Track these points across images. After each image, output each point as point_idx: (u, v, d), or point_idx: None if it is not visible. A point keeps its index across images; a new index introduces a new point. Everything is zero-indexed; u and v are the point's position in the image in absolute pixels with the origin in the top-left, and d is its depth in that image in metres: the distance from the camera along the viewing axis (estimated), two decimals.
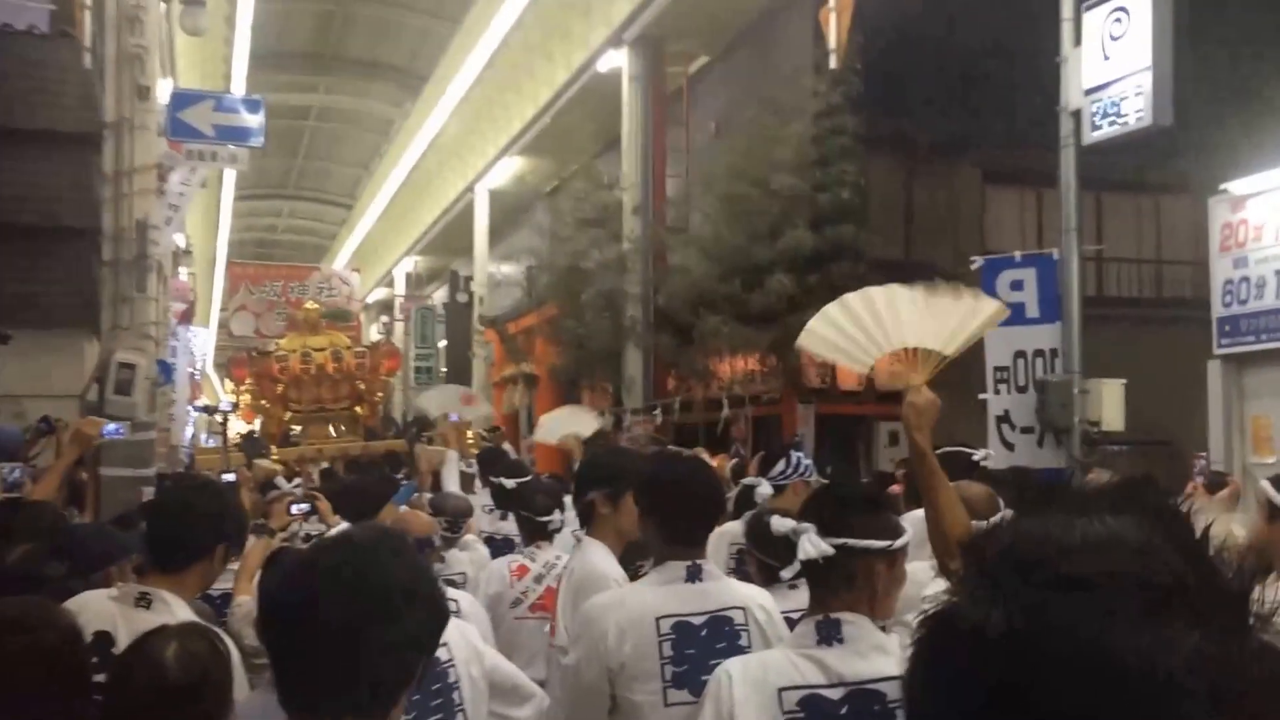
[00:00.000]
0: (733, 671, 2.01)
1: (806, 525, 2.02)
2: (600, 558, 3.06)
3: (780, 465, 4.54)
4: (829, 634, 1.99)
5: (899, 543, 2.05)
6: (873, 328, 2.56)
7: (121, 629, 2.38)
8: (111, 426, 5.60)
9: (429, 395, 8.87)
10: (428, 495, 5.34)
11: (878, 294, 2.61)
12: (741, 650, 2.49)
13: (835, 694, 1.95)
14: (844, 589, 2.03)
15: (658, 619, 2.47)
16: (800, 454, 4.65)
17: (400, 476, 6.88)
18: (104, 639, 2.36)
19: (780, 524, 2.10)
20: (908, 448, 2.56)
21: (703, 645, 2.47)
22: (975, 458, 4.57)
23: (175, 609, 2.44)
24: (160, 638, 1.94)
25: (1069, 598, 0.61)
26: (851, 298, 2.63)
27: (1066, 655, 0.59)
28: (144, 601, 2.44)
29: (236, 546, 2.68)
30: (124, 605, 2.45)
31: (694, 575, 2.52)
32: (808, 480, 4.51)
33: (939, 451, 4.78)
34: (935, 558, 2.38)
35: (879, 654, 1.99)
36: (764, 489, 4.26)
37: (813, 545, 2.00)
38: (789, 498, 4.07)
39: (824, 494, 2.28)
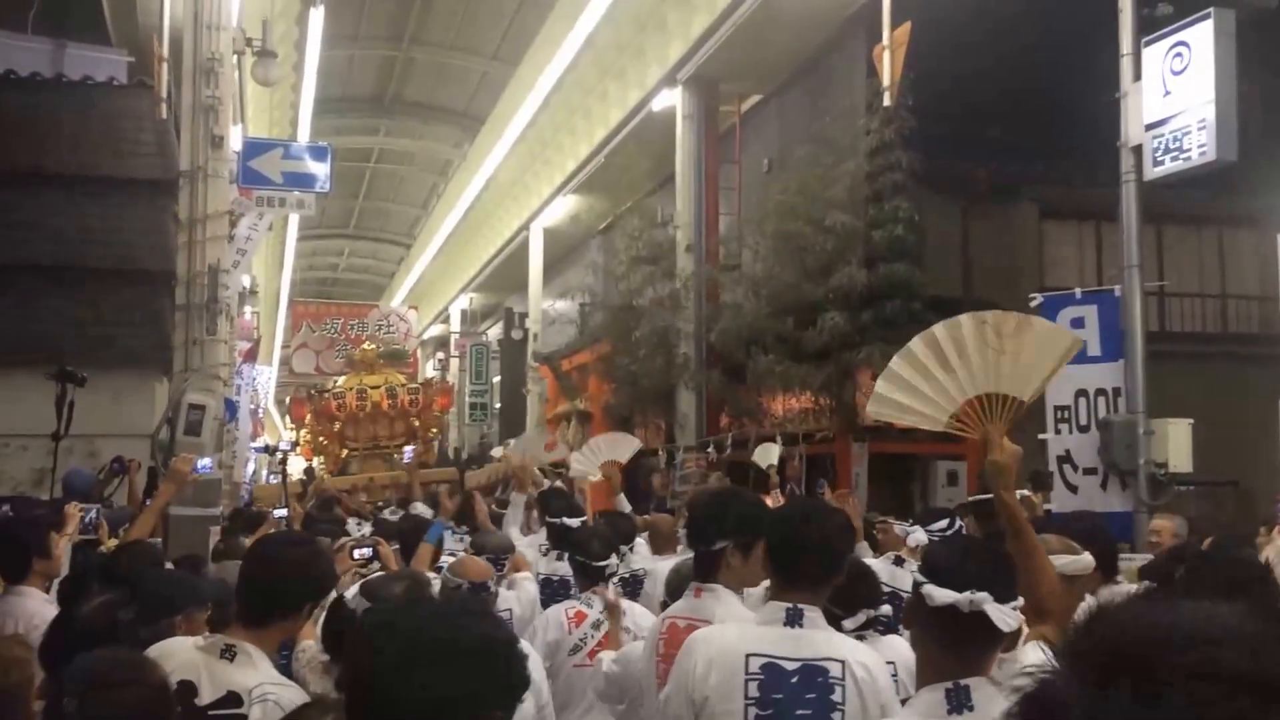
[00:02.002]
0: None
1: (984, 595, 1.91)
2: (742, 609, 2.85)
3: (943, 523, 4.58)
4: (960, 702, 1.90)
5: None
6: (944, 379, 2.41)
7: (204, 680, 2.37)
8: (204, 463, 5.75)
9: (517, 443, 8.88)
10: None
11: (943, 337, 2.44)
12: (834, 706, 2.36)
13: None
14: (979, 653, 1.94)
15: (747, 656, 2.38)
16: (962, 523, 4.68)
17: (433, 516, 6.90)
18: (187, 689, 2.35)
19: (941, 595, 1.95)
20: (998, 509, 2.41)
21: (792, 692, 2.36)
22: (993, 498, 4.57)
23: (258, 662, 2.42)
24: (318, 710, 1.94)
25: (1172, 696, 0.61)
26: (915, 345, 2.48)
27: None
28: (229, 654, 2.42)
29: (319, 603, 2.66)
30: (209, 656, 2.44)
31: (794, 619, 2.41)
32: None
33: (979, 499, 4.71)
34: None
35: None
36: (919, 536, 4.28)
37: (1001, 615, 1.91)
38: None
39: (991, 554, 2.12)
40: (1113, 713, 0.61)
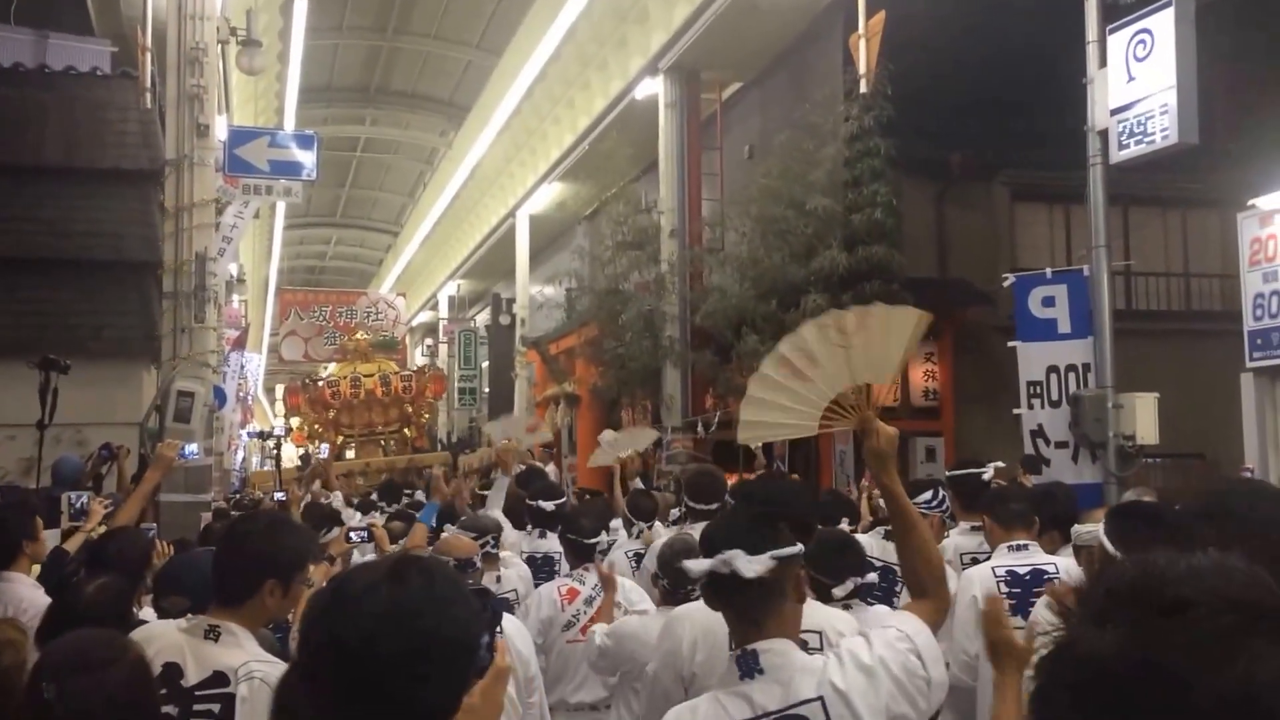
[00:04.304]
0: None
1: (735, 551, 1.97)
2: None
3: (928, 495, 4.65)
4: (750, 667, 1.97)
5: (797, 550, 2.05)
6: (803, 389, 2.40)
7: (190, 661, 2.35)
8: (191, 449, 5.80)
9: (497, 424, 9.11)
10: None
11: (789, 351, 2.43)
12: None
13: None
14: (760, 611, 2.00)
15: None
16: (946, 493, 4.76)
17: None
18: (173, 670, 2.33)
19: (697, 565, 2.05)
20: (881, 492, 2.43)
21: None
22: (985, 476, 4.66)
23: (244, 641, 2.40)
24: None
25: (1170, 619, 0.67)
26: (767, 367, 2.47)
27: (1166, 674, 0.64)
28: (213, 634, 2.39)
29: (285, 582, 2.50)
30: (193, 637, 2.40)
31: None
32: (944, 517, 4.61)
33: (955, 474, 4.86)
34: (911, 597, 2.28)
35: (798, 677, 1.96)
36: None
37: (748, 565, 1.95)
38: None
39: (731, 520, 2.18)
40: (1114, 643, 0.66)
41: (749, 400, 2.50)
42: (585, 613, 4.29)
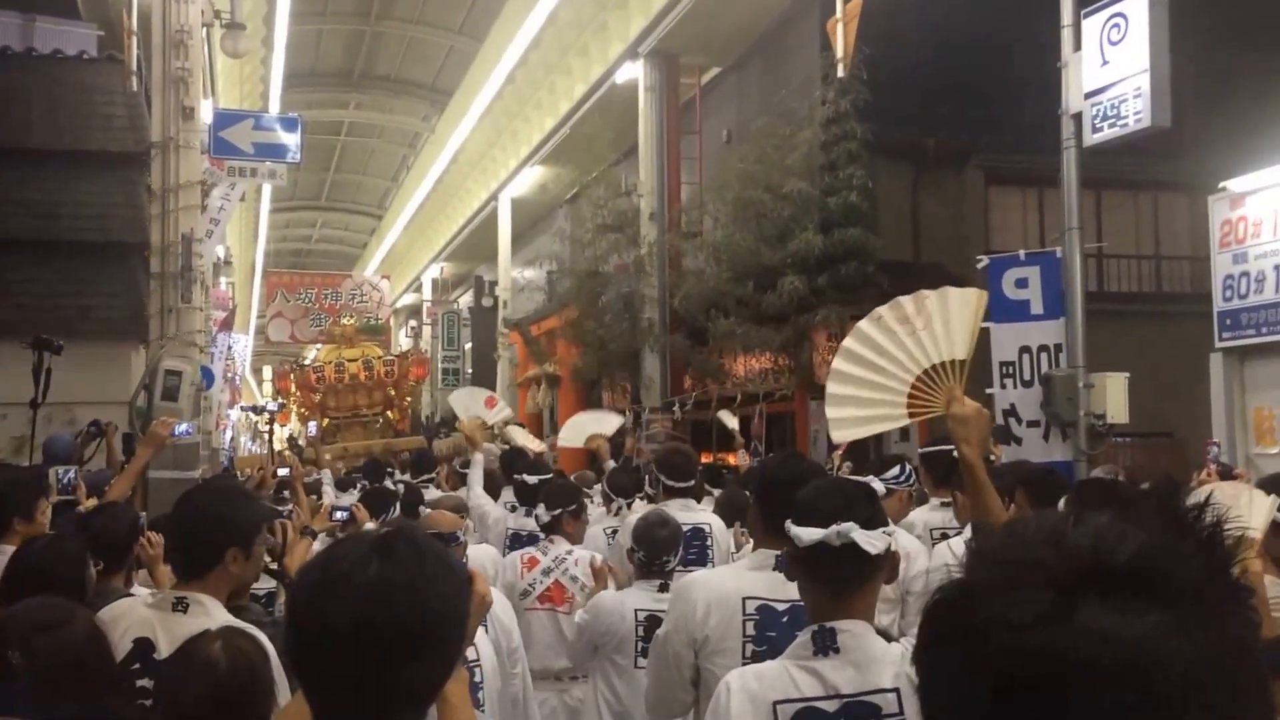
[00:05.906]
0: (732, 683, 1.97)
1: (849, 524, 1.94)
2: None
3: (895, 470, 4.69)
4: (825, 644, 1.93)
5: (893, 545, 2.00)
6: (881, 379, 2.43)
7: (161, 635, 2.36)
8: (183, 427, 5.76)
9: (456, 396, 9.19)
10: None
11: (857, 346, 2.46)
12: None
13: (831, 706, 1.90)
14: (852, 589, 1.98)
15: (744, 599, 2.56)
16: (914, 469, 4.85)
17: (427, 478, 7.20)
18: (145, 645, 2.35)
19: (809, 534, 2.01)
20: (960, 462, 2.42)
21: (784, 630, 2.48)
22: (956, 453, 4.77)
23: (212, 611, 2.41)
24: (207, 638, 1.99)
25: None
26: (840, 364, 2.49)
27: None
28: (181, 606, 2.41)
29: (246, 548, 2.53)
30: (161, 611, 2.42)
31: (782, 564, 2.49)
32: (911, 492, 4.70)
33: (927, 450, 5.02)
34: None
35: (875, 665, 1.92)
36: (876, 486, 4.50)
37: (868, 540, 1.93)
38: (893, 504, 4.14)
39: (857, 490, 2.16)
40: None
41: (832, 398, 2.55)
42: (542, 582, 4.41)
